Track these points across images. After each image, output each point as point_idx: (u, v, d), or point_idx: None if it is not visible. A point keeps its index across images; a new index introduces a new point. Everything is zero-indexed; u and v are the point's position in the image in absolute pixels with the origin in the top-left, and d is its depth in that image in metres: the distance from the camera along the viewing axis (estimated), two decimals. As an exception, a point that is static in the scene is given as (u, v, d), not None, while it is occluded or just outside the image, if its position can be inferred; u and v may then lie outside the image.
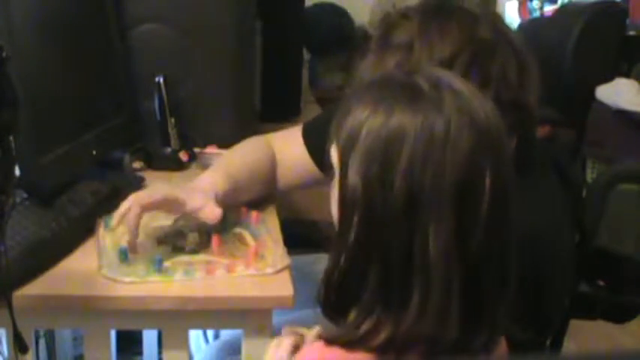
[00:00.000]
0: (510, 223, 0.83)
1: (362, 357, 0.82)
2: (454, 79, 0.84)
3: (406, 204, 0.79)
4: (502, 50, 1.07)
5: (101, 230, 1.25)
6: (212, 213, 1.19)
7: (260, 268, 1.14)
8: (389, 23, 1.11)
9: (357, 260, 0.82)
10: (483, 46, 1.06)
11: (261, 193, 1.40)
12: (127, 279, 1.11)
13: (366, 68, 1.10)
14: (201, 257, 1.18)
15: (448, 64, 1.03)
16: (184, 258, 1.17)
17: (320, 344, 0.85)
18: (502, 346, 0.91)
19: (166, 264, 1.14)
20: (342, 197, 0.83)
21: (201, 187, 1.24)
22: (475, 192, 0.79)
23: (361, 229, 0.81)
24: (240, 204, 1.33)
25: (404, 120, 0.79)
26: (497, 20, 1.11)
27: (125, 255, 1.15)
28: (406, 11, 1.10)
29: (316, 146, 1.33)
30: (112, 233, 1.23)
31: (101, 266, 1.14)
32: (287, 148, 1.40)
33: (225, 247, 1.21)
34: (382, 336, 0.81)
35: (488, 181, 0.79)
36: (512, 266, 0.84)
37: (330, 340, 0.84)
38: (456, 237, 0.79)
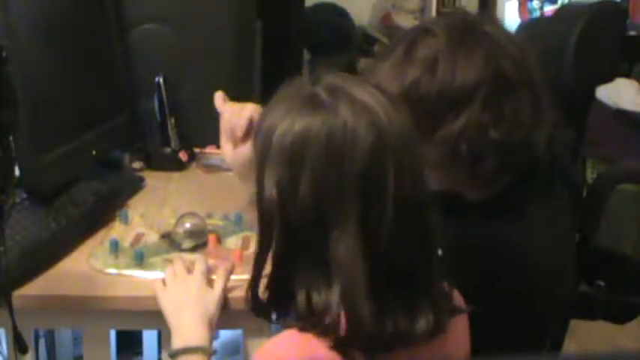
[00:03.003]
0: (426, 214, 0.85)
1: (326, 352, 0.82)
2: (355, 87, 0.86)
3: (313, 209, 0.82)
4: (522, 91, 1.06)
5: (116, 223, 1.28)
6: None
7: (239, 272, 1.14)
8: (412, 37, 1.09)
9: (282, 265, 0.86)
10: (504, 84, 1.05)
11: None
12: (108, 270, 1.14)
13: (384, 78, 1.08)
14: (188, 256, 1.18)
15: (469, 92, 1.03)
16: (171, 255, 1.18)
17: (293, 331, 0.85)
18: (457, 329, 0.92)
19: (153, 259, 1.16)
20: (259, 204, 0.86)
21: None
22: (378, 191, 0.81)
23: (281, 234, 0.85)
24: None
25: (307, 125, 0.83)
26: (523, 52, 1.08)
27: (115, 247, 1.17)
28: (430, 26, 1.09)
29: None
30: (125, 227, 1.26)
31: (90, 255, 1.17)
32: None
33: (223, 249, 1.21)
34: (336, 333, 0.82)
35: (391, 179, 0.81)
36: (434, 253, 0.87)
37: (303, 328, 0.85)
38: (361, 237, 0.81)
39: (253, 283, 0.90)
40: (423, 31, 1.09)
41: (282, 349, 0.85)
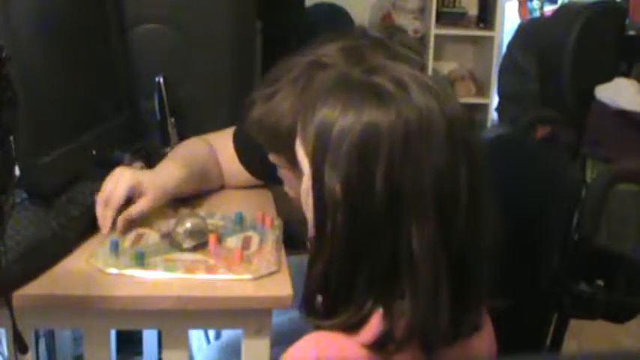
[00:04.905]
0: (487, 207, 0.84)
1: (357, 353, 0.82)
2: (419, 75, 0.84)
3: (388, 205, 0.79)
4: None
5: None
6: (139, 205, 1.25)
7: (240, 272, 1.13)
8: (307, 72, 1.08)
9: (344, 262, 0.83)
10: None
11: (210, 187, 1.47)
12: (108, 269, 1.13)
13: (281, 111, 1.13)
14: (188, 256, 1.18)
15: None
16: (172, 255, 1.18)
17: (320, 332, 0.85)
18: (488, 323, 0.92)
19: (155, 259, 1.16)
20: (318, 200, 0.84)
21: (161, 180, 1.31)
22: (453, 182, 0.80)
23: (345, 231, 0.82)
24: (185, 194, 1.39)
25: (376, 118, 0.80)
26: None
27: (115, 246, 1.17)
28: (323, 59, 1.06)
29: (246, 154, 1.43)
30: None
31: (91, 255, 1.17)
32: (225, 149, 1.46)
33: (223, 249, 1.21)
34: (376, 331, 0.81)
35: (464, 170, 0.81)
36: (489, 249, 0.86)
37: (330, 329, 0.84)
38: (438, 231, 0.80)
39: (311, 283, 0.87)
40: (317, 66, 1.07)
41: (308, 350, 0.84)
